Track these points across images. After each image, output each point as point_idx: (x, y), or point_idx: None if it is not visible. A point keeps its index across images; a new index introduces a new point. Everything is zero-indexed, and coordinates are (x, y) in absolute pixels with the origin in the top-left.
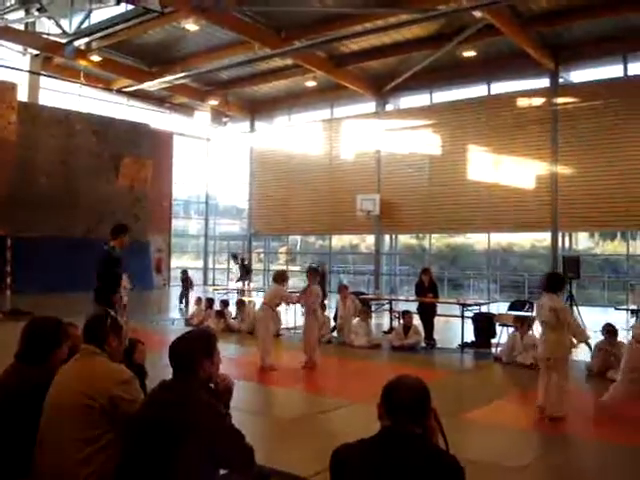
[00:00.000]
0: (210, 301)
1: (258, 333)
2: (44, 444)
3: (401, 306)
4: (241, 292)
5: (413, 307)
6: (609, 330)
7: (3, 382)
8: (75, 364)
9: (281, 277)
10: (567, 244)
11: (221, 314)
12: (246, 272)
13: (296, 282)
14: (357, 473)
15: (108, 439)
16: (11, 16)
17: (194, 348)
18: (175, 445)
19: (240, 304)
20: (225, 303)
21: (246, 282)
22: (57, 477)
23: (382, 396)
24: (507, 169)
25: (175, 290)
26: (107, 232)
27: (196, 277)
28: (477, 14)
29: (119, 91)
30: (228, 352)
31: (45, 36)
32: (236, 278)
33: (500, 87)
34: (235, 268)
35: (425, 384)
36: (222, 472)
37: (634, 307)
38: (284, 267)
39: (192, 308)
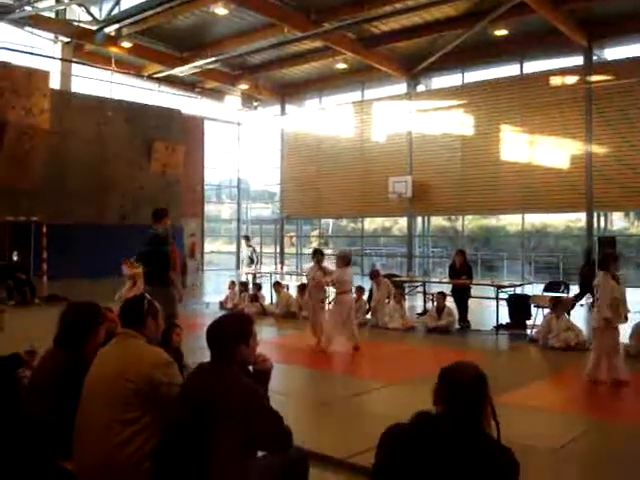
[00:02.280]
0: (244, 285)
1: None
2: (83, 427)
3: (434, 288)
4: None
5: (447, 289)
6: None
7: (42, 367)
8: (113, 348)
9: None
10: (602, 224)
11: (255, 297)
12: (256, 257)
13: (330, 265)
14: (407, 455)
15: (146, 421)
16: (42, 4)
17: (230, 331)
18: (213, 427)
19: (277, 286)
20: (258, 287)
21: (257, 266)
22: (96, 459)
23: (438, 381)
24: (541, 149)
25: (208, 274)
26: (142, 218)
27: (230, 261)
28: None
29: (150, 77)
30: (265, 335)
31: (76, 23)
32: (246, 262)
33: (533, 66)
34: (246, 251)
35: (482, 371)
36: (260, 453)
37: None
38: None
39: (226, 292)
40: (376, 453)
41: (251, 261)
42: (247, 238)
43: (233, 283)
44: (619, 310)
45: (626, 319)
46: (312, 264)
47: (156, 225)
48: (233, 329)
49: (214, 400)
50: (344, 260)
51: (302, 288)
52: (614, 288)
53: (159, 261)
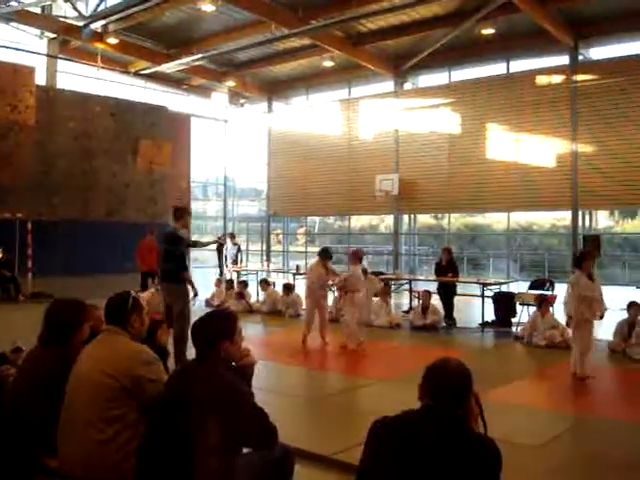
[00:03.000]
0: (230, 282)
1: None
2: (67, 425)
3: (421, 286)
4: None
5: (433, 287)
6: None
7: (26, 365)
8: (97, 345)
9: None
10: (587, 223)
11: (241, 295)
12: (240, 254)
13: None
14: (394, 447)
15: (131, 419)
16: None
17: (215, 328)
18: (197, 424)
19: (264, 284)
20: (244, 284)
21: (240, 264)
22: (80, 457)
23: (424, 377)
24: (526, 148)
25: (194, 271)
26: (128, 215)
27: (217, 258)
28: None
29: (136, 74)
30: (251, 332)
31: (62, 19)
32: (231, 259)
33: (519, 65)
34: (231, 249)
35: (467, 367)
36: (245, 450)
37: None
38: (303, 249)
39: (212, 289)
40: (364, 446)
41: (235, 259)
42: (232, 236)
43: (219, 280)
44: (592, 307)
45: (601, 317)
46: (315, 263)
47: (176, 224)
48: (218, 326)
49: (199, 397)
50: (356, 257)
51: (287, 288)
52: (584, 286)
53: (175, 259)
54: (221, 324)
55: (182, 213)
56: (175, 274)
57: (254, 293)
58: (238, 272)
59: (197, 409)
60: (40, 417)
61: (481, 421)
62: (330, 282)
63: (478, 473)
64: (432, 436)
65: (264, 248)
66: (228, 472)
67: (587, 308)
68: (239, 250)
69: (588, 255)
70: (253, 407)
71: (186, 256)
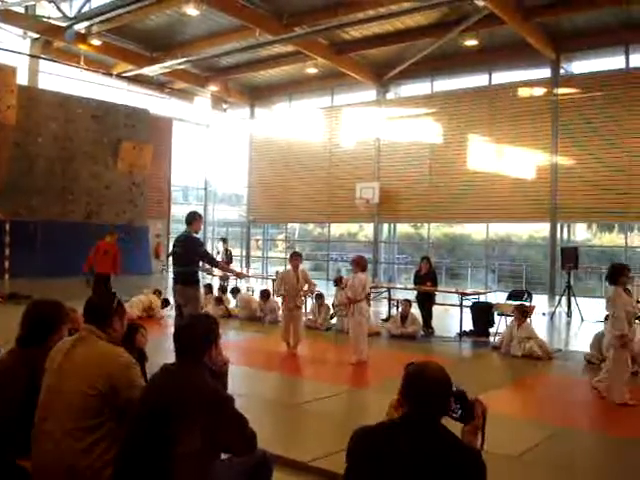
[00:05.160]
0: (209, 287)
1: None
2: (43, 432)
3: (399, 294)
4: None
5: (412, 296)
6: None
7: (4, 365)
8: (75, 349)
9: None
10: (565, 235)
11: (220, 300)
12: (229, 259)
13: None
14: (376, 456)
15: (109, 427)
16: None
17: (201, 333)
18: (177, 428)
19: (235, 292)
20: (223, 289)
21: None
22: (56, 467)
23: (404, 384)
24: (507, 159)
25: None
26: (107, 217)
27: None
28: (479, 3)
29: (119, 76)
30: (230, 338)
31: (45, 19)
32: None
33: (501, 77)
34: (222, 253)
35: (446, 373)
36: (224, 456)
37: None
38: (283, 255)
39: None
40: (346, 457)
41: (230, 258)
42: (224, 240)
43: None
44: (632, 324)
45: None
46: (285, 270)
47: (189, 228)
48: (204, 330)
49: (179, 401)
50: (360, 265)
51: (264, 295)
52: (626, 301)
53: (188, 262)
54: (206, 329)
55: (193, 218)
56: (188, 276)
57: (232, 299)
58: (223, 277)
59: (179, 413)
60: (14, 418)
61: (480, 434)
62: (305, 289)
63: None
64: (413, 445)
65: (244, 254)
66: (207, 477)
67: (628, 325)
68: (229, 254)
69: (623, 269)
70: (234, 412)
71: (199, 260)
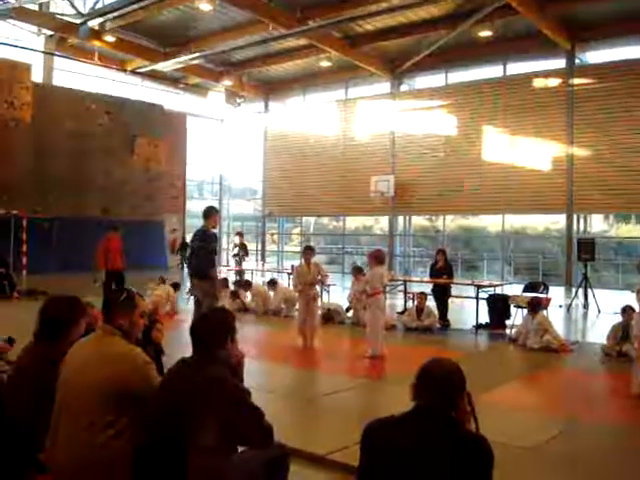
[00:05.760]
0: (225, 281)
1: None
2: (59, 427)
3: (415, 287)
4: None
5: (427, 288)
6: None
7: (21, 361)
8: (90, 346)
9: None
10: (582, 227)
11: (235, 294)
12: (245, 252)
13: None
14: (387, 448)
15: (123, 424)
16: None
17: (219, 327)
18: (193, 422)
19: (247, 285)
20: (239, 283)
21: (244, 262)
22: (72, 462)
23: (417, 377)
24: (522, 151)
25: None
26: (123, 212)
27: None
28: None
29: (133, 72)
30: (245, 332)
31: (59, 16)
32: (238, 257)
33: (516, 68)
34: (238, 247)
35: (459, 367)
36: (240, 449)
37: None
38: (298, 249)
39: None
40: (360, 450)
41: (245, 252)
42: (241, 234)
43: None
44: None
45: None
46: (299, 264)
47: (206, 222)
48: (221, 324)
49: (195, 395)
50: (377, 259)
51: (272, 283)
52: None
53: (204, 257)
54: (223, 323)
55: (210, 213)
56: (204, 270)
57: (248, 292)
58: (240, 271)
59: (195, 407)
60: (33, 413)
61: (473, 420)
62: (318, 278)
63: (470, 472)
64: (424, 437)
65: (259, 248)
66: (224, 471)
67: None
68: (245, 248)
69: None
70: (250, 406)
71: (215, 254)
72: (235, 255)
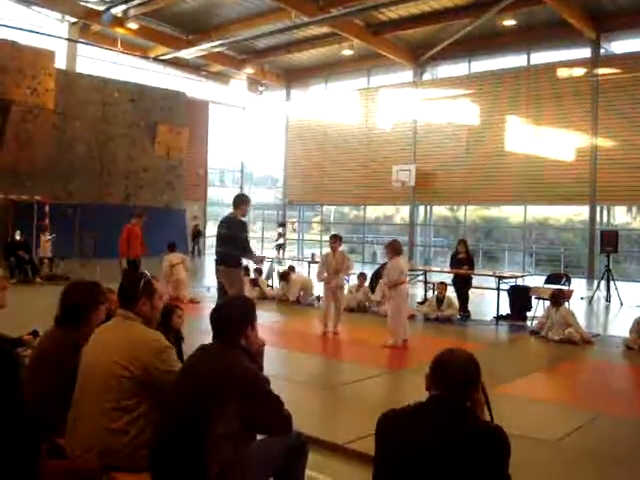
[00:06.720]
0: (245, 269)
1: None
2: (78, 413)
3: (435, 277)
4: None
5: (448, 279)
6: None
7: (42, 346)
8: (109, 331)
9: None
10: (604, 218)
11: (255, 282)
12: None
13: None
14: (401, 439)
15: (143, 409)
16: None
17: (239, 314)
18: (212, 409)
19: (286, 275)
20: (259, 271)
21: (282, 251)
22: (91, 446)
23: (431, 367)
24: (546, 141)
25: (210, 257)
26: (145, 199)
27: None
28: None
29: (156, 59)
30: (264, 320)
31: (83, 3)
32: (278, 245)
33: (540, 57)
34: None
35: (474, 357)
36: (259, 437)
37: None
38: (318, 237)
39: None
40: (375, 440)
41: (280, 247)
42: (283, 225)
43: None
44: None
45: None
46: (327, 251)
47: (236, 211)
48: (242, 311)
49: (215, 382)
50: (394, 249)
51: (283, 276)
52: None
53: (233, 244)
54: (244, 310)
55: (239, 201)
56: (232, 258)
57: (277, 281)
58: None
59: (215, 394)
60: (53, 397)
61: (487, 410)
62: (344, 267)
63: (486, 462)
64: (439, 427)
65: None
66: (242, 458)
67: None
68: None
69: None
70: (269, 394)
71: (247, 241)
72: (278, 245)
